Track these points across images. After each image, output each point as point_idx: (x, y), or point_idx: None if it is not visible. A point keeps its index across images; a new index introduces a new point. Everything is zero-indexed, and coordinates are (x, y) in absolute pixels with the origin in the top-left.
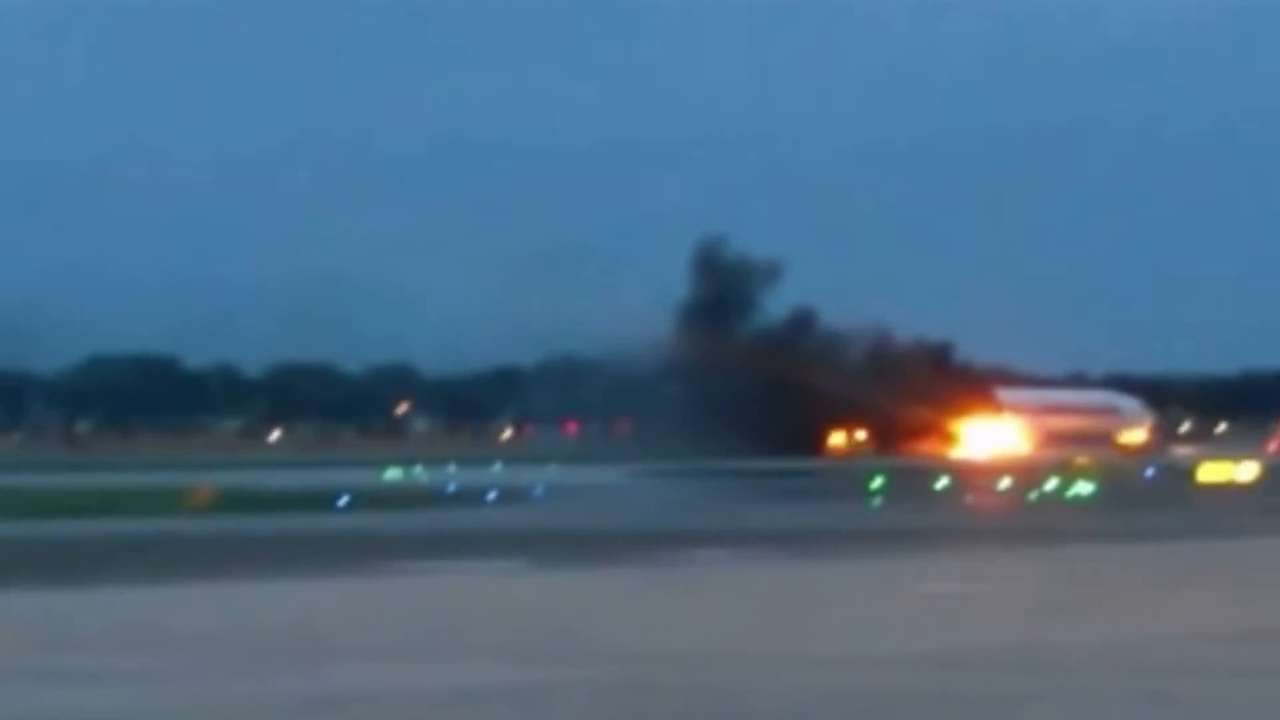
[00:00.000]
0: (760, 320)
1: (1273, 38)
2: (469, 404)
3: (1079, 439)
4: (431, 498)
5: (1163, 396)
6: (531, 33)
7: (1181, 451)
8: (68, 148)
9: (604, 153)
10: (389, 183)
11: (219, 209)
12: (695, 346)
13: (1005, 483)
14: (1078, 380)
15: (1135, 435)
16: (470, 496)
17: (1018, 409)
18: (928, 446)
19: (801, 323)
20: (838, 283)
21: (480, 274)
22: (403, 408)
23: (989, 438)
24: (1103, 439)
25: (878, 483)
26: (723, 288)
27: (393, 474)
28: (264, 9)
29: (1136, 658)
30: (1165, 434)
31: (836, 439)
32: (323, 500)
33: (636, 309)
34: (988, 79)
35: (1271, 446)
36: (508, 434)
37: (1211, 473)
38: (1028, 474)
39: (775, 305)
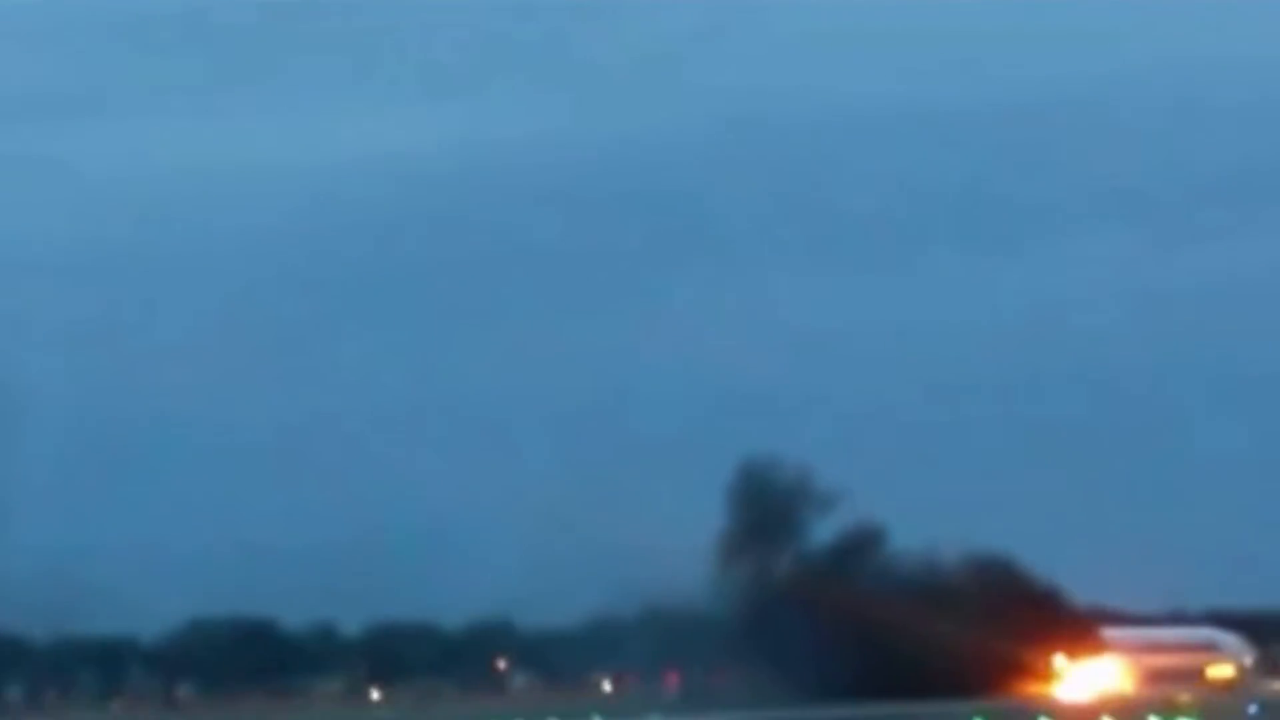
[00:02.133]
0: (831, 551)
1: None
2: (567, 658)
3: (1179, 676)
4: None
5: (1264, 631)
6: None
7: None
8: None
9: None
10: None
11: (291, 469)
12: (761, 584)
13: None
14: (1177, 617)
15: (1226, 670)
16: None
17: (1118, 647)
18: (1028, 685)
19: (878, 556)
20: (913, 513)
21: (546, 522)
22: (502, 664)
23: (1090, 677)
24: (1203, 676)
25: None
26: (775, 516)
27: None
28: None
29: None
30: (1268, 668)
31: (942, 678)
32: None
33: (702, 548)
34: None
35: None
36: (607, 687)
37: None
38: (1132, 714)
39: (829, 532)
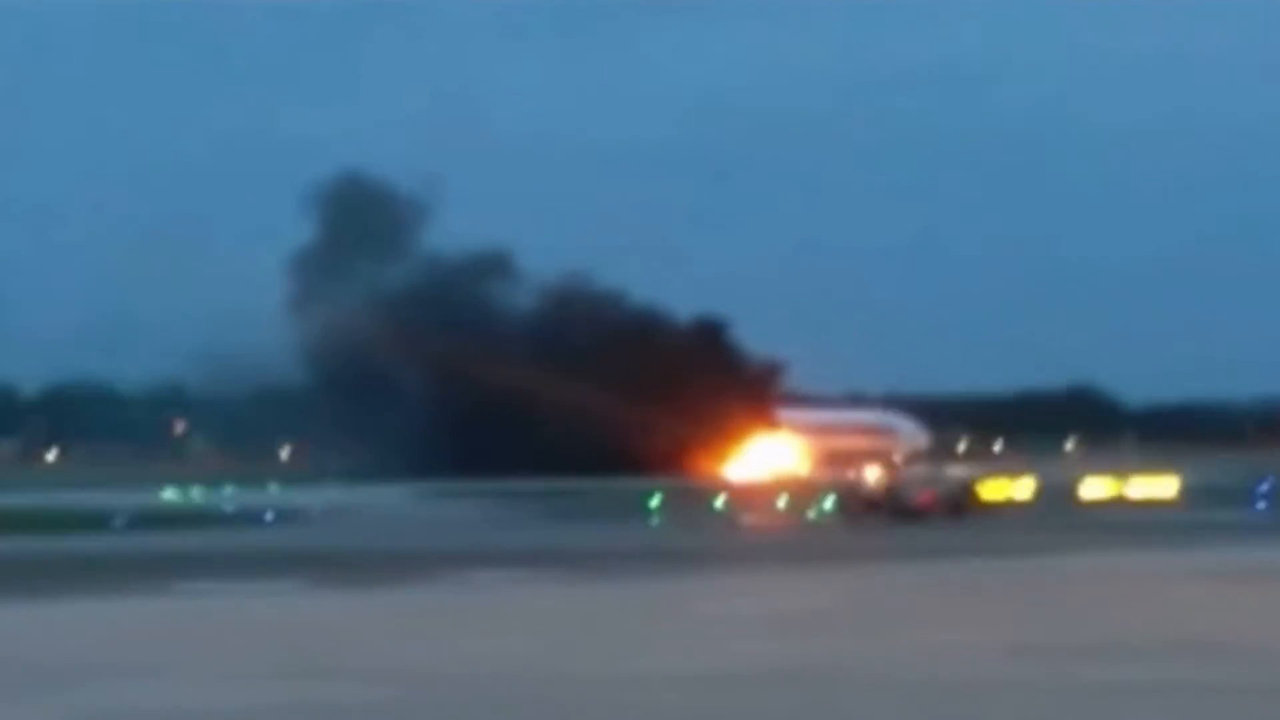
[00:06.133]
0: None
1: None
2: (245, 424)
3: (856, 458)
4: (209, 518)
5: (940, 416)
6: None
7: (958, 470)
8: None
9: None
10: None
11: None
12: (342, 331)
13: (782, 502)
14: (855, 399)
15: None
16: (248, 517)
17: (795, 427)
18: (699, 464)
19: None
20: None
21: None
22: (180, 427)
23: (764, 456)
24: (880, 458)
25: (654, 502)
26: (366, 233)
27: (170, 495)
28: None
29: (888, 673)
30: (942, 453)
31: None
32: (99, 520)
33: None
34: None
35: None
36: (286, 454)
37: (991, 490)
38: (804, 493)
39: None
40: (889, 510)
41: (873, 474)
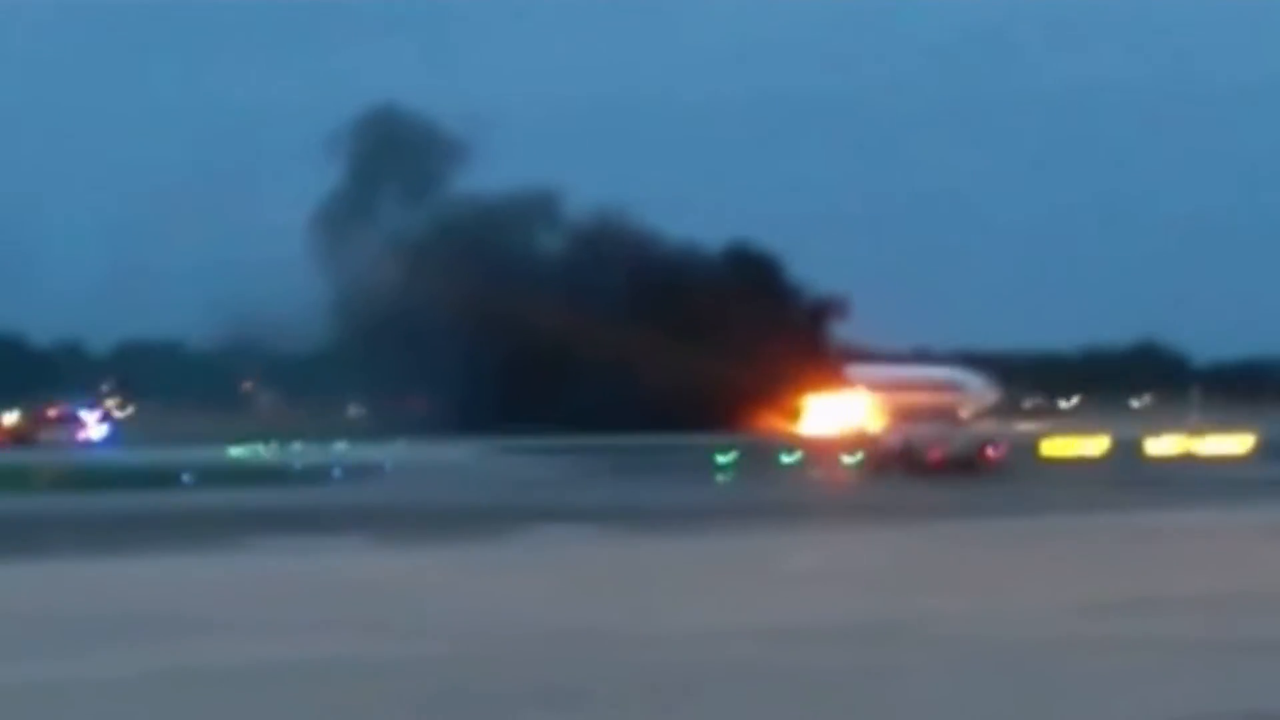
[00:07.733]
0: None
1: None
2: (313, 380)
3: (924, 414)
4: (277, 474)
5: (1007, 373)
6: None
7: (1026, 427)
8: None
9: None
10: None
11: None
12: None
13: (851, 459)
14: (923, 356)
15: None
16: (316, 473)
17: (864, 383)
18: (765, 418)
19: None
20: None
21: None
22: (247, 385)
23: (833, 412)
24: (948, 415)
25: (722, 458)
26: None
27: (239, 451)
28: None
29: (954, 632)
30: (1010, 409)
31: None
32: (169, 477)
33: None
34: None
35: None
36: (353, 411)
37: (1057, 448)
38: (871, 450)
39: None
40: (904, 466)
41: (889, 432)
